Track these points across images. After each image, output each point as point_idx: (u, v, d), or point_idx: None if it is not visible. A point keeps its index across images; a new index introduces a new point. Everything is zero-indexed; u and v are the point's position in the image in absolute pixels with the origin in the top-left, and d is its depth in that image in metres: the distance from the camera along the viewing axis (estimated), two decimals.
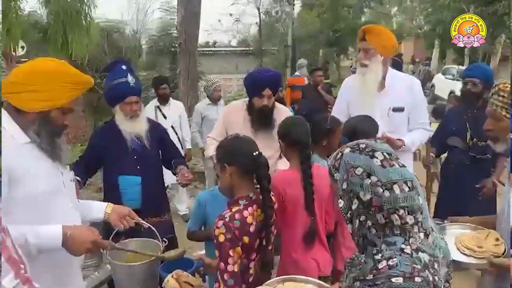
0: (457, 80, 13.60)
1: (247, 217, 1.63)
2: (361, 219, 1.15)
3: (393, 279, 1.05)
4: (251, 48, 18.97)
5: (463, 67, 12.77)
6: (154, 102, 5.06)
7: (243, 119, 2.96)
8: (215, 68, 16.66)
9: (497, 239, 1.76)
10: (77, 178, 2.65)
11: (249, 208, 1.66)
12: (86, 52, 6.75)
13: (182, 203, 5.30)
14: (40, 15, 7.67)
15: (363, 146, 1.18)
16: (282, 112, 2.98)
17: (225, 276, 1.57)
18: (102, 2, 9.02)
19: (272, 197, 1.83)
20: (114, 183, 2.77)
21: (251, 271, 1.70)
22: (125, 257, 2.02)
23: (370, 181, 1.13)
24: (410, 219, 1.12)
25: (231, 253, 1.57)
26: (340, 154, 1.21)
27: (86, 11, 6.64)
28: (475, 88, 3.35)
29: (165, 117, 4.91)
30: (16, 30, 4.94)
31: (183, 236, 4.01)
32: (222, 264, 1.58)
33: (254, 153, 1.70)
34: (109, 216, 1.91)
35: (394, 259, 1.08)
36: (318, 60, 17.05)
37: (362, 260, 1.14)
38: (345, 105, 3.05)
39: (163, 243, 2.02)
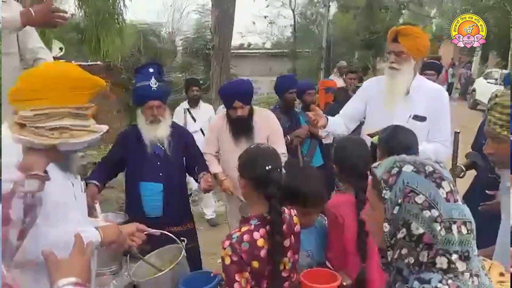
0: (500, 84, 12.97)
1: (257, 239, 1.48)
2: (402, 251, 1.00)
3: None
4: (284, 50, 18.85)
5: (507, 71, 12.13)
6: (184, 104, 5.02)
7: (226, 128, 3.05)
8: (248, 70, 16.65)
9: (502, 274, 1.53)
10: (94, 182, 2.63)
11: (261, 230, 1.50)
12: (119, 54, 6.83)
13: (209, 208, 5.23)
14: (79, 17, 7.87)
15: (430, 169, 1.00)
16: (263, 115, 3.09)
17: None
18: (138, 5, 9.19)
19: (295, 217, 1.67)
20: (136, 189, 2.71)
21: None
22: (149, 269, 1.97)
23: (430, 214, 0.96)
24: (461, 266, 0.97)
25: (237, 278, 1.43)
26: (397, 169, 1.02)
27: (118, 13, 6.73)
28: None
29: (194, 120, 4.87)
30: (50, 32, 5.03)
31: (208, 242, 3.98)
32: None
33: (267, 167, 1.53)
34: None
35: None
36: (353, 62, 16.69)
37: None
38: (361, 106, 2.85)
39: (183, 243, 1.97)
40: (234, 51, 16.18)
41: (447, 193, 0.98)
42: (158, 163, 2.73)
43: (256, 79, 14.34)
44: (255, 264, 1.47)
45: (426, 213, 0.97)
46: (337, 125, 2.86)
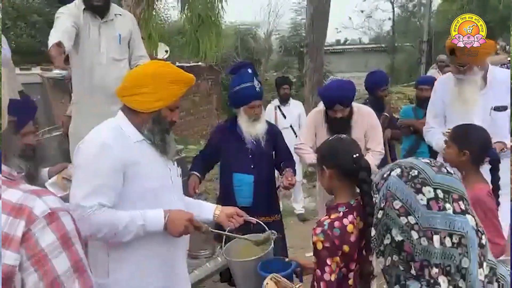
0: None
1: (347, 225, 1.55)
2: (393, 258, 0.96)
3: None
4: (382, 45, 18.17)
5: None
6: (275, 102, 5.22)
7: (323, 126, 3.06)
8: (343, 66, 16.37)
9: None
10: (195, 173, 2.89)
11: (349, 216, 1.57)
12: (215, 55, 7.25)
13: (298, 202, 5.35)
14: (182, 21, 8.49)
15: (415, 174, 0.95)
16: (363, 113, 3.08)
17: (322, 285, 1.52)
18: (236, 6, 9.61)
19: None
20: (229, 179, 2.93)
21: (350, 281, 1.61)
22: (239, 252, 2.12)
23: (407, 221, 0.93)
24: (443, 280, 0.90)
25: (328, 262, 1.51)
26: (388, 173, 1.00)
27: (217, 16, 7.14)
28: None
29: (284, 117, 5.02)
30: (156, 35, 5.59)
31: (296, 235, 4.09)
32: (318, 272, 1.54)
33: (355, 155, 1.60)
34: (218, 216, 2.02)
35: None
36: None
37: None
38: (441, 105, 2.88)
39: (273, 235, 2.08)
40: (329, 47, 16.06)
41: (428, 200, 0.93)
42: (250, 156, 2.92)
43: (351, 75, 14.11)
44: (346, 248, 1.54)
45: (403, 220, 0.94)
46: (437, 138, 2.78)
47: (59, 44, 2.44)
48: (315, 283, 1.56)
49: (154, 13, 6.16)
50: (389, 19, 18.52)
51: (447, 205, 0.92)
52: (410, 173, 0.96)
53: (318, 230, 1.55)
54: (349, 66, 16.78)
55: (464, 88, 2.72)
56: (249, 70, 2.90)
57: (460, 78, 2.72)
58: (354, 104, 3.06)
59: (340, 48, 20.15)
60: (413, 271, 0.93)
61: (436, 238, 0.91)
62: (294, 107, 5.17)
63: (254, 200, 2.86)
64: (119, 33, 2.91)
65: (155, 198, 1.72)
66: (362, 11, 19.17)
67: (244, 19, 13.36)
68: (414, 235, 0.92)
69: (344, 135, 1.76)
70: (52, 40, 2.47)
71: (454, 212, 0.92)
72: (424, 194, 0.93)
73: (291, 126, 4.95)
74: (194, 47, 7.07)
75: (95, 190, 1.60)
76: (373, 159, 2.99)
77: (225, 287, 3.18)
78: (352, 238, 1.55)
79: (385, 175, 1.01)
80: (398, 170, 0.99)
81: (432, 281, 0.91)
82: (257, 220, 2.13)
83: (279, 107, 5.08)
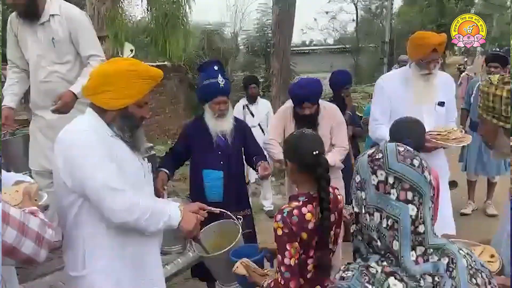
0: None
1: (305, 214, 1.65)
2: (354, 227, 1.08)
3: None
4: (347, 46, 18.60)
5: None
6: (243, 101, 5.28)
7: (291, 121, 3.17)
8: (309, 67, 16.63)
9: (492, 256, 1.57)
10: (165, 170, 2.91)
11: (309, 205, 1.67)
12: (183, 54, 7.21)
13: (267, 199, 5.43)
14: (147, 21, 8.39)
15: (378, 156, 1.05)
16: (329, 109, 3.20)
17: (282, 269, 1.62)
18: (202, 6, 9.58)
19: (339, 196, 1.82)
20: (199, 176, 2.97)
21: (309, 267, 1.71)
22: (209, 245, 2.18)
23: (360, 195, 1.05)
24: (388, 254, 1.01)
25: (288, 247, 1.61)
26: (367, 151, 1.12)
27: (183, 15, 7.10)
28: None
29: (252, 115, 5.10)
30: (122, 34, 5.51)
31: (265, 231, 4.16)
32: (279, 257, 1.63)
33: (315, 152, 1.69)
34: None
35: (349, 272, 1.00)
36: None
37: None
38: (388, 101, 3.12)
39: (238, 220, 2.20)
40: (295, 48, 16.24)
41: (378, 182, 1.02)
42: (220, 152, 2.97)
43: (317, 75, 14.34)
44: (304, 235, 1.64)
45: (359, 194, 1.05)
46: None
47: (11, 107, 2.75)
48: (277, 268, 1.65)
49: (120, 12, 6.08)
50: (353, 20, 19.04)
51: (393, 191, 1.00)
52: (377, 155, 1.06)
53: (278, 217, 1.64)
54: (315, 67, 17.07)
55: (428, 84, 3.00)
56: (215, 67, 2.95)
57: (423, 74, 2.97)
58: (320, 101, 3.18)
59: (306, 49, 20.46)
60: (366, 241, 1.05)
61: (377, 215, 1.01)
62: (262, 106, 5.26)
63: (224, 195, 2.92)
64: (53, 36, 2.75)
65: (133, 192, 1.74)
66: (326, 13, 19.58)
67: (210, 19, 13.33)
68: (363, 209, 1.04)
69: (309, 130, 1.84)
70: (5, 100, 2.78)
71: (397, 199, 1.00)
72: (377, 176, 1.03)
73: (259, 124, 5.03)
74: (160, 46, 7.00)
75: (112, 173, 1.64)
76: (338, 154, 3.12)
77: (196, 282, 3.22)
78: (310, 226, 1.65)
79: (364, 152, 1.11)
80: (372, 150, 1.09)
81: (382, 253, 1.02)
82: (221, 210, 2.19)
83: (247, 106, 5.16)
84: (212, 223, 2.27)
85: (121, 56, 7.22)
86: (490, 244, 1.70)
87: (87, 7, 5.58)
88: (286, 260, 1.61)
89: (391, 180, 1.01)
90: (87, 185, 1.61)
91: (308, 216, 1.65)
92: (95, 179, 1.61)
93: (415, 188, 1.01)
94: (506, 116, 1.49)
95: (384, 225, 1.00)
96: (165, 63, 9.53)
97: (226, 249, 2.03)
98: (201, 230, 2.20)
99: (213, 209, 2.15)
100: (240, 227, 2.17)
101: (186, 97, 10.73)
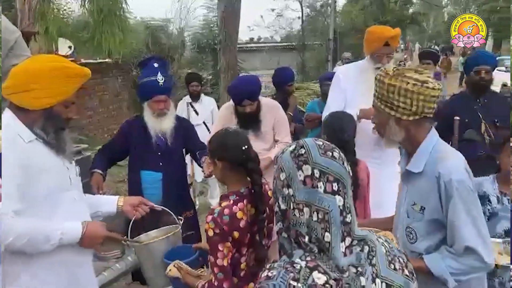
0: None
1: (236, 212, 1.63)
2: (279, 225, 1.08)
3: None
4: (292, 43, 18.85)
5: None
6: (187, 98, 5.16)
7: (234, 120, 3.10)
8: (257, 64, 16.69)
9: (392, 240, 1.69)
10: (98, 171, 2.78)
11: (239, 204, 1.65)
12: (121, 51, 6.97)
13: (214, 198, 5.38)
14: (83, 15, 8.03)
15: (302, 152, 1.05)
16: (270, 106, 3.16)
17: (215, 270, 1.59)
18: (147, 1, 9.27)
19: (269, 191, 1.81)
20: (137, 177, 2.87)
21: (243, 265, 1.69)
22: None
23: (287, 192, 1.04)
24: (313, 247, 1.02)
25: (220, 247, 1.59)
26: (286, 148, 1.11)
27: (120, 10, 6.84)
28: (488, 75, 3.22)
29: (197, 113, 4.99)
30: (53, 29, 5.20)
31: None
32: (212, 258, 1.61)
33: (244, 147, 1.68)
34: (122, 208, 1.99)
35: (275, 271, 1.00)
36: (362, 54, 16.63)
37: None
38: (344, 93, 3.14)
39: (180, 221, 2.14)
40: (243, 45, 16.25)
41: (305, 177, 1.02)
42: (159, 153, 2.87)
43: (265, 72, 14.43)
44: (236, 234, 1.62)
45: (285, 191, 1.05)
46: None
47: None
48: (211, 269, 1.63)
49: (52, 6, 5.74)
50: (298, 18, 19.28)
51: (320, 184, 1.02)
52: (299, 151, 1.06)
53: (209, 218, 1.61)
54: (263, 64, 17.15)
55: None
56: (155, 64, 2.84)
57: (377, 67, 2.94)
58: (261, 98, 3.16)
59: (254, 46, 20.51)
60: (292, 238, 1.04)
61: (306, 210, 1.02)
62: (206, 103, 5.16)
63: (163, 197, 2.81)
64: None
65: (55, 199, 1.64)
66: (272, 10, 19.72)
67: (155, 15, 13.00)
68: (291, 205, 1.03)
69: (232, 127, 1.83)
70: None
71: (325, 191, 1.02)
72: (303, 171, 1.03)
73: (204, 122, 4.94)
74: (96, 42, 6.70)
75: (7, 195, 1.51)
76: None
77: (138, 286, 3.12)
78: (242, 224, 1.63)
79: (284, 149, 1.10)
80: (293, 146, 1.08)
81: (308, 248, 1.02)
82: (163, 208, 2.14)
83: (191, 103, 5.04)
84: (152, 231, 2.18)
85: (56, 53, 6.87)
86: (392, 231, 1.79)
87: (16, 2, 5.24)
88: (218, 261, 1.59)
89: (317, 173, 1.02)
90: None
91: (239, 214, 1.63)
92: None
93: (339, 180, 1.03)
94: (398, 106, 1.57)
95: (315, 219, 1.01)
96: (107, 60, 9.18)
97: (160, 238, 1.98)
98: (141, 235, 2.15)
99: (155, 205, 2.11)
100: (180, 223, 2.12)
101: (131, 94, 10.40)
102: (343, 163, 1.06)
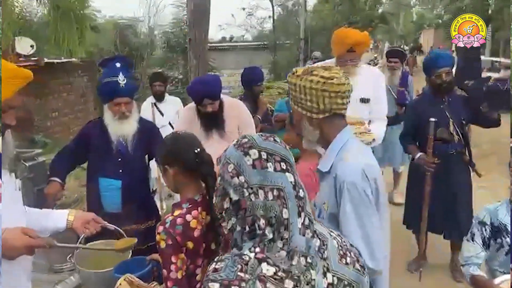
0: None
1: (190, 221, 1.52)
2: (232, 220, 1.07)
3: (209, 284, 0.99)
4: (264, 43, 18.81)
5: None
6: (151, 99, 4.95)
7: (196, 121, 3.01)
8: (228, 63, 16.58)
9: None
10: (57, 180, 2.61)
11: (193, 212, 1.54)
12: (82, 49, 6.74)
13: None
14: (42, 14, 7.73)
15: (244, 141, 1.09)
16: (234, 106, 3.11)
17: (169, 284, 1.48)
18: (114, 0, 9.03)
19: None
20: (95, 184, 2.69)
21: (198, 277, 1.58)
22: (94, 263, 1.97)
23: (238, 181, 1.05)
24: (268, 232, 1.03)
25: (173, 259, 1.48)
26: (228, 146, 1.14)
27: (80, 9, 6.61)
28: (448, 76, 3.26)
29: (162, 114, 4.80)
30: (8, 28, 4.96)
31: None
32: (165, 271, 1.49)
33: (196, 150, 1.58)
34: (72, 224, 1.84)
35: (222, 263, 1.01)
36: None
37: None
38: None
39: (135, 243, 1.97)
40: (214, 44, 16.10)
41: (253, 160, 1.05)
42: (119, 159, 2.70)
43: (237, 72, 14.33)
44: (190, 244, 1.51)
45: (236, 180, 1.05)
46: None
47: None
48: (164, 284, 1.51)
49: (9, 4, 5.46)
50: (270, 17, 19.24)
51: (269, 164, 1.06)
52: (242, 141, 1.11)
53: (160, 228, 1.50)
54: (234, 63, 17.03)
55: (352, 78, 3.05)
56: (117, 64, 2.66)
57: (349, 73, 2.90)
58: (224, 97, 3.08)
59: (226, 45, 20.37)
60: (247, 228, 1.04)
61: (260, 192, 1.04)
62: (171, 103, 4.96)
63: (123, 206, 2.67)
64: None
65: None
66: (243, 9, 19.62)
67: (124, 14, 12.72)
68: (245, 192, 1.05)
69: (181, 131, 1.74)
70: None
71: (275, 170, 1.06)
72: (250, 156, 1.06)
73: (170, 123, 4.76)
74: (56, 41, 6.44)
75: None
76: None
77: None
78: (196, 233, 1.53)
79: (226, 148, 1.13)
80: (234, 141, 1.13)
81: (261, 232, 1.03)
82: (115, 227, 1.99)
83: (155, 104, 4.85)
84: (100, 241, 2.04)
85: (16, 52, 6.56)
86: None
87: None
88: (172, 274, 1.47)
89: (264, 155, 1.06)
90: None
91: (193, 223, 1.52)
92: None
93: (285, 159, 1.08)
94: (306, 105, 1.56)
95: (271, 198, 1.04)
96: (72, 59, 8.87)
97: (108, 269, 1.84)
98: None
99: (107, 224, 1.96)
100: (133, 247, 1.95)
101: (97, 95, 10.12)
102: (285, 146, 1.12)
